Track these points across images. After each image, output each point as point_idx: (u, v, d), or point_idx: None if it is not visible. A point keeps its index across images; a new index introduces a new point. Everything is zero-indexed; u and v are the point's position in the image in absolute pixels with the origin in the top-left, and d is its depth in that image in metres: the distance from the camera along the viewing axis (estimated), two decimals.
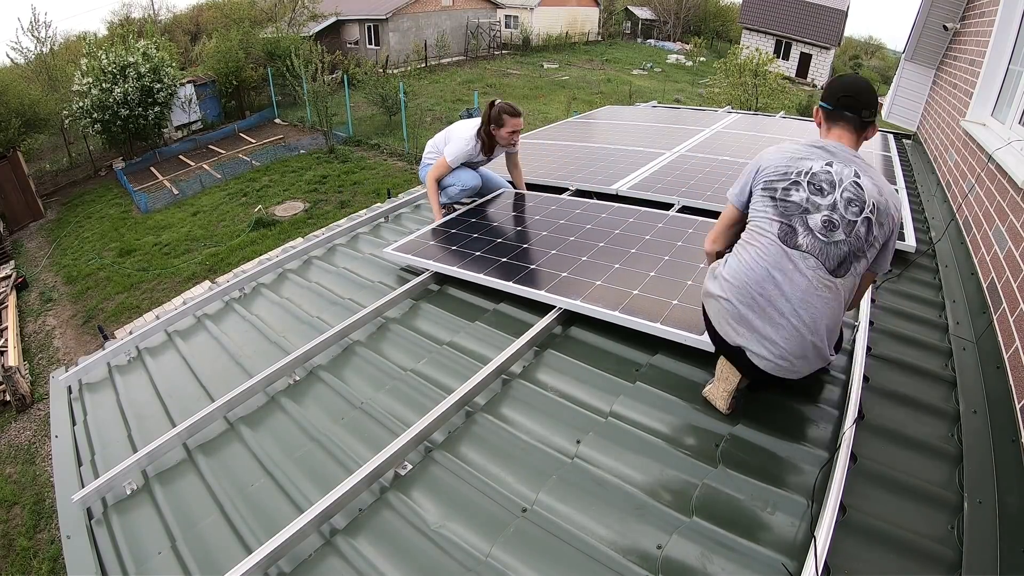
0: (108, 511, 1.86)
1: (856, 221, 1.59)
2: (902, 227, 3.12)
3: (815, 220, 1.60)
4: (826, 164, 1.64)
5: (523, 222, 3.28)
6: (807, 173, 1.64)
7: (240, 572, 1.44)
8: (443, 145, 3.53)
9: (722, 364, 1.81)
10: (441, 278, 2.90)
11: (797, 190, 1.63)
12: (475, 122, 3.49)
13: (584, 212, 3.32)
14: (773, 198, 1.67)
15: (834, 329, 1.69)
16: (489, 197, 3.72)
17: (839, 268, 1.60)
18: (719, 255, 1.91)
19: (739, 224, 1.83)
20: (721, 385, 1.83)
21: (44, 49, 20.30)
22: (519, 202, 3.60)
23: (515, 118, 3.38)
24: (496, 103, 3.39)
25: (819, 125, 1.80)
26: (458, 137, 3.45)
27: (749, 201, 1.76)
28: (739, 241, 1.76)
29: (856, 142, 1.72)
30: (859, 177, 1.62)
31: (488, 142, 3.45)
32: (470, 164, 3.60)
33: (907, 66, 6.15)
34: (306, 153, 16.91)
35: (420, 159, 4.06)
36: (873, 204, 1.60)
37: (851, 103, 1.70)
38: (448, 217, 3.43)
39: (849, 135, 1.71)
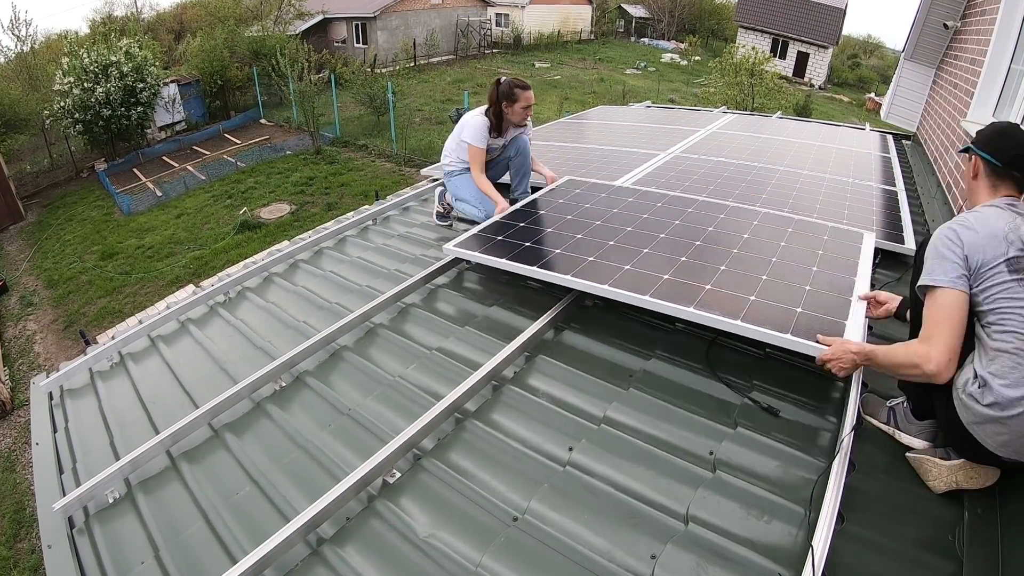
0: (90, 520, 1.82)
1: None
2: (901, 230, 3.13)
3: None
4: None
5: (593, 215, 3.08)
6: None
7: None
8: (460, 138, 3.41)
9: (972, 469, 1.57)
10: (432, 280, 2.87)
11: None
12: (478, 109, 3.38)
13: (652, 203, 3.18)
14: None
15: None
16: (552, 187, 3.54)
17: None
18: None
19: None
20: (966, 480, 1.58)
21: (24, 48, 19.91)
22: (582, 192, 3.46)
23: (527, 91, 3.26)
24: (503, 79, 3.28)
25: (974, 177, 1.69)
26: (471, 123, 3.32)
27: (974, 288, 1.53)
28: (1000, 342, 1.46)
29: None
30: None
31: (497, 122, 3.33)
32: (487, 154, 3.45)
33: (907, 65, 6.11)
34: (292, 154, 16.75)
35: (409, 160, 3.93)
36: None
37: None
38: (511, 209, 3.23)
39: (1018, 192, 1.64)
